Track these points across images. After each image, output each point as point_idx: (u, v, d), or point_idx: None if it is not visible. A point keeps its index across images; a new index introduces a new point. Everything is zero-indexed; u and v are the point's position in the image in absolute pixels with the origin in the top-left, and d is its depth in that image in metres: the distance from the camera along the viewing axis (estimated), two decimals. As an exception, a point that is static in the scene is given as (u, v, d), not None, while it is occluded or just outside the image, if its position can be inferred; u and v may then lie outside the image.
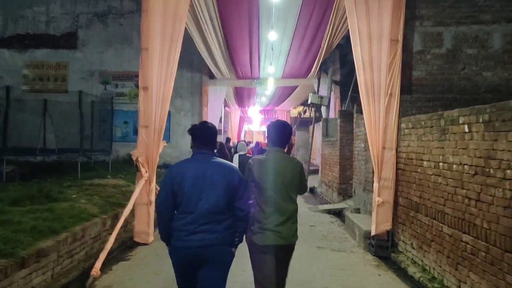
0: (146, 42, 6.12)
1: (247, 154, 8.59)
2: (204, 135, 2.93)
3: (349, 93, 11.71)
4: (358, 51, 5.99)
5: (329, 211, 9.42)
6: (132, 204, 5.79)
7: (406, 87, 6.15)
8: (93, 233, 5.47)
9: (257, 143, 19.36)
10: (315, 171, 16.13)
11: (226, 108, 22.65)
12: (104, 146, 14.35)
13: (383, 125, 5.87)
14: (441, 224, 4.51)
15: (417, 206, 5.22)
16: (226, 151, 10.30)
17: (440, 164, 4.52)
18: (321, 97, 12.94)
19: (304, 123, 25.67)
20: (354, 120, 8.91)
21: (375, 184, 5.97)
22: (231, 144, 16.04)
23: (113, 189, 8.21)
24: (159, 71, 6.12)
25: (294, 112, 28.33)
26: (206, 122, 3.09)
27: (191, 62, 15.13)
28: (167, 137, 15.09)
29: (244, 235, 3.01)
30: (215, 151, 3.17)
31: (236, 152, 8.81)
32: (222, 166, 2.90)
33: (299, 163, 3.29)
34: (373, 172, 7.37)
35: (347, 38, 7.97)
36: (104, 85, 15.55)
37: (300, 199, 12.02)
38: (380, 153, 5.89)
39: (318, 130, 17.44)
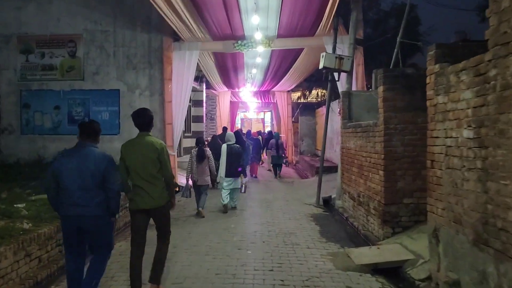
0: None
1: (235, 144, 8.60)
2: (86, 130, 3.77)
3: (398, 38, 6.82)
4: None
5: (375, 268, 4.68)
6: None
7: None
8: None
9: (248, 132, 16.24)
10: (331, 169, 11.23)
11: (212, 90, 18.15)
12: (24, 141, 10.70)
13: None
14: None
15: None
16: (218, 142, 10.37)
17: None
18: (340, 58, 8.10)
19: (310, 107, 21.09)
20: (431, 79, 4.14)
21: None
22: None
23: None
24: None
25: (297, 95, 23.20)
26: (91, 121, 3.98)
27: (148, 19, 10.76)
28: (115, 126, 10.64)
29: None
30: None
31: (223, 142, 8.77)
32: (95, 155, 3.68)
33: (163, 144, 4.06)
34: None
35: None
36: (26, 55, 11.01)
37: (314, 229, 5.29)
38: None
39: (331, 112, 12.65)
